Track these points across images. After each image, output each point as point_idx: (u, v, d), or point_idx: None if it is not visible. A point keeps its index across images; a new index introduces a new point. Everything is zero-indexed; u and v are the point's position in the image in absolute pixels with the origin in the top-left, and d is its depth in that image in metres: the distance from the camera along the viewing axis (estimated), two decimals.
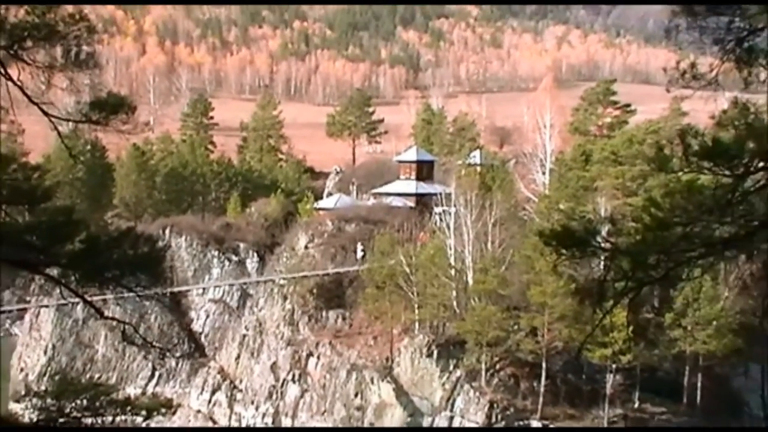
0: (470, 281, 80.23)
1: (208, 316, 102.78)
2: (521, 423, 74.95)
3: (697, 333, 76.62)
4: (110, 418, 19.57)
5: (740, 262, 65.74)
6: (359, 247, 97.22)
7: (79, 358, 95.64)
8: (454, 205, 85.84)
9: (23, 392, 21.62)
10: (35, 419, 19.41)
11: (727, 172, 15.08)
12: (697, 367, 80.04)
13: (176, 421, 72.01)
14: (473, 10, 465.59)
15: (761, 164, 14.74)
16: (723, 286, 77.30)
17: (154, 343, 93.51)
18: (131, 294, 20.50)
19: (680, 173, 16.91)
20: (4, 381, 72.62)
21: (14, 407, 22.57)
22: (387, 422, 79.08)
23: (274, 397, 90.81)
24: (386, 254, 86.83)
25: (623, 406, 77.53)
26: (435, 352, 79.20)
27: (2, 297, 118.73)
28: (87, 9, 20.05)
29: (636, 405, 78.19)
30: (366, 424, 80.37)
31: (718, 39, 14.95)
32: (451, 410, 77.06)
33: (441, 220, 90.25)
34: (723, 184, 15.31)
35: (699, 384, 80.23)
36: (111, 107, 18.88)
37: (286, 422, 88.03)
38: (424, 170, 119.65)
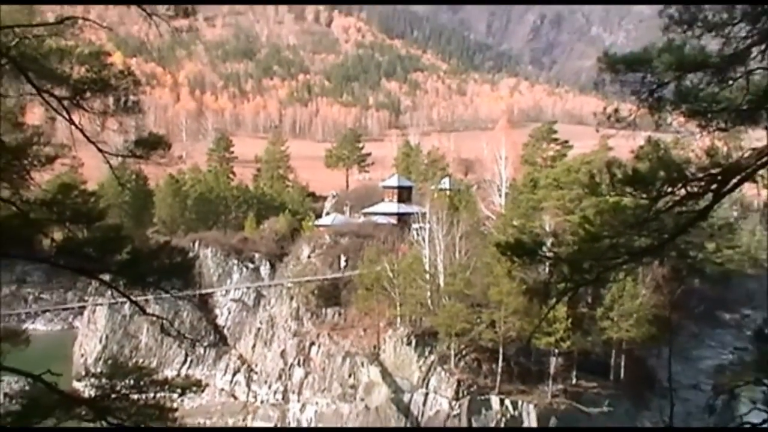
0: (441, 284, 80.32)
1: (229, 313, 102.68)
2: (482, 397, 74.96)
3: (621, 323, 77.34)
4: (152, 395, 19.60)
5: (654, 266, 66.29)
6: (342, 258, 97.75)
7: (127, 346, 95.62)
8: (428, 222, 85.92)
9: (83, 373, 21.45)
10: (92, 395, 19.43)
11: (643, 196, 15.22)
12: (621, 351, 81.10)
13: (204, 397, 72.14)
14: (443, 65, 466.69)
15: (669, 189, 14.86)
16: (641, 286, 78.02)
17: (186, 335, 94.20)
18: (167, 295, 20.60)
19: (608, 196, 17.02)
20: (67, 364, 72.06)
21: (76, 385, 22.45)
22: (375, 398, 78.99)
23: (283, 378, 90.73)
24: (373, 262, 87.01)
25: (564, 382, 77.64)
26: (413, 341, 79.22)
27: (66, 297, 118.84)
28: (132, 64, 20.10)
29: (573, 381, 78.37)
30: (358, 400, 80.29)
31: (634, 90, 15.11)
32: (426, 388, 77.04)
33: (418, 234, 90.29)
34: (641, 205, 15.45)
35: (622, 363, 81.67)
36: (151, 144, 18.98)
37: (293, 398, 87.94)
38: (404, 194, 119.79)
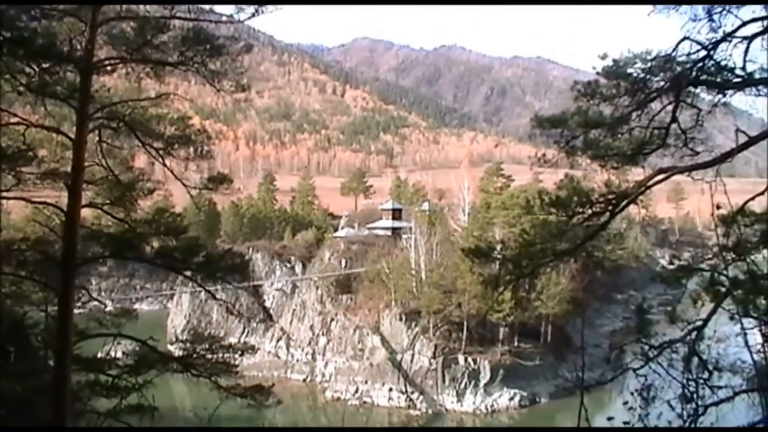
0: (423, 277, 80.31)
1: (274, 298, 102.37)
2: (452, 356, 74.97)
3: (548, 303, 77.40)
4: (220, 355, 19.67)
5: (571, 263, 66.30)
6: (343, 260, 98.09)
7: (203, 321, 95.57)
8: (414, 234, 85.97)
9: (174, 339, 21.58)
10: (180, 354, 19.54)
11: (563, 214, 15.33)
12: (548, 322, 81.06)
13: (257, 357, 71.98)
14: (423, 123, 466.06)
15: (581, 210, 15.01)
16: (562, 277, 77.92)
17: (243, 314, 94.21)
18: (230, 285, 20.73)
19: (539, 215, 17.15)
20: (163, 334, 72.44)
21: (169, 347, 22.56)
22: (377, 357, 78.91)
23: (311, 344, 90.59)
24: (375, 262, 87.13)
25: (509, 345, 77.71)
26: (403, 318, 79.20)
27: (162, 286, 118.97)
28: (206, 125, 20.33)
29: (516, 344, 78.42)
30: (364, 359, 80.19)
31: (556, 141, 15.26)
32: (413, 350, 76.97)
33: (406, 242, 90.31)
34: (561, 221, 15.55)
35: (549, 331, 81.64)
36: (219, 180, 19.12)
37: (319, 358, 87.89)
38: (396, 214, 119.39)
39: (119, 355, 19.30)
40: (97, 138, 17.34)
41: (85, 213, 17.55)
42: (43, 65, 15.86)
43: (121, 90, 17.74)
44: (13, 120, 16.83)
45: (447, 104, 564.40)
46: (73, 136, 16.42)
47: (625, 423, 8.44)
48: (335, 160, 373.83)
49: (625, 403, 11.16)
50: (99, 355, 19.26)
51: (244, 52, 17.36)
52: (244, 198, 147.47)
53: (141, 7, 16.93)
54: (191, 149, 18.20)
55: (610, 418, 8.59)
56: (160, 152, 17.84)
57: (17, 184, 17.43)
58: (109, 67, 16.87)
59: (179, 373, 19.48)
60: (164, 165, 18.07)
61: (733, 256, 13.52)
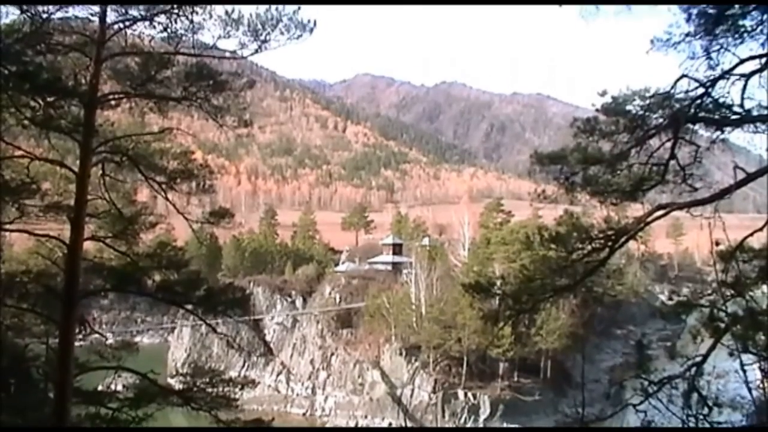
0: (423, 312, 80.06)
1: (274, 332, 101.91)
2: (452, 391, 74.56)
3: (548, 338, 77.00)
4: (220, 389, 19.58)
5: (570, 299, 66.21)
6: (343, 294, 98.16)
7: (203, 355, 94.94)
8: (414, 269, 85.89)
9: (174, 373, 21.49)
10: (181, 388, 19.45)
11: (563, 250, 15.32)
12: (547, 357, 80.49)
13: (257, 391, 71.39)
14: (423, 158, 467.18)
15: (580, 245, 15.00)
16: (561, 312, 77.65)
17: (244, 347, 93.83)
18: (231, 319, 20.69)
19: (538, 251, 17.14)
20: (163, 367, 72.12)
21: (170, 381, 22.46)
22: (376, 392, 78.55)
23: (311, 378, 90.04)
24: (375, 297, 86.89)
25: (509, 380, 77.34)
26: (403, 352, 78.88)
27: (163, 319, 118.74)
28: (208, 159, 20.42)
29: (515, 379, 78.01)
30: (364, 394, 79.78)
31: (555, 177, 15.30)
32: (413, 385, 76.60)
33: (407, 277, 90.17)
34: (561, 257, 15.53)
35: (549, 366, 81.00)
36: (220, 215, 19.18)
37: (319, 392, 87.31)
38: (396, 249, 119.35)
39: (119, 388, 19.22)
40: (101, 172, 17.42)
41: (88, 246, 17.55)
42: (48, 99, 15.96)
43: (125, 124, 17.83)
44: (18, 153, 16.92)
45: (447, 140, 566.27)
46: (76, 170, 16.48)
47: None
48: (336, 195, 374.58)
49: None
50: (99, 387, 19.18)
51: (246, 87, 17.47)
52: (245, 232, 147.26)
53: (145, 42, 17.06)
54: (193, 183, 18.26)
55: None
56: (163, 186, 17.90)
57: (20, 216, 17.47)
58: (113, 102, 16.99)
59: (179, 406, 19.38)
60: (166, 199, 18.12)
61: (732, 292, 13.50)
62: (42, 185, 17.49)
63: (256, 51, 16.29)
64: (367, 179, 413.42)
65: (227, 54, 17.25)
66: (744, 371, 12.30)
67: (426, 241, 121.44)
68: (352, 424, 77.12)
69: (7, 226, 17.81)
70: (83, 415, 18.42)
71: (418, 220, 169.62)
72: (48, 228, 17.74)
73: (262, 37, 16.09)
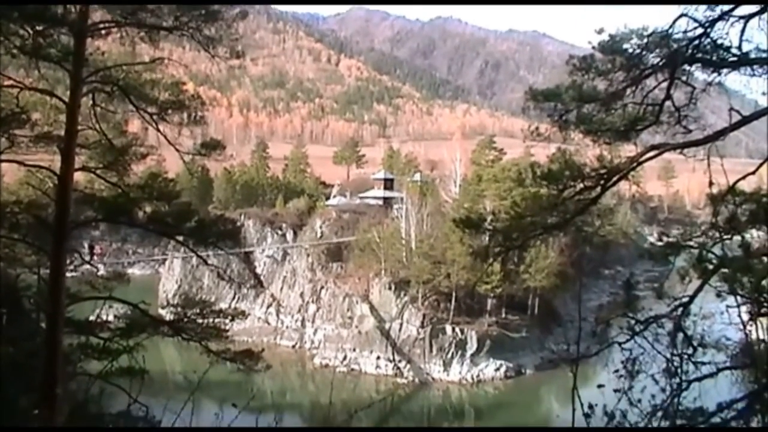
0: (413, 247, 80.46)
1: (265, 265, 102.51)
2: (440, 326, 75.22)
3: (536, 276, 77.76)
4: (211, 320, 19.72)
5: (560, 237, 66.50)
6: (334, 228, 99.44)
7: (194, 286, 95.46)
8: (405, 204, 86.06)
9: (164, 303, 21.62)
10: (171, 318, 19.60)
11: (554, 188, 15.29)
12: (535, 295, 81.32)
13: (247, 323, 71.66)
14: (416, 94, 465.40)
15: (572, 184, 14.98)
16: (551, 250, 78.19)
17: (234, 279, 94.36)
18: (222, 251, 20.75)
19: (530, 188, 17.11)
20: (154, 298, 72.30)
21: (160, 311, 22.61)
22: (365, 325, 79.14)
23: (301, 311, 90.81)
24: (366, 231, 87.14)
25: (496, 316, 78.10)
26: (393, 287, 79.27)
27: (154, 251, 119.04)
28: (200, 91, 20.27)
29: (503, 316, 78.81)
30: (353, 327, 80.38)
31: (549, 115, 15.17)
32: (401, 319, 77.22)
33: (397, 212, 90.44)
34: (552, 195, 15.49)
35: (536, 304, 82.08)
36: (212, 147, 19.09)
37: (308, 325, 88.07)
38: (388, 184, 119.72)
39: (111, 318, 19.33)
40: (91, 102, 17.26)
41: (78, 177, 17.46)
42: (37, 28, 15.71)
43: (115, 54, 17.60)
44: (7, 83, 16.71)
45: (441, 76, 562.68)
46: (66, 100, 16.31)
47: (615, 391, 8.52)
48: (328, 129, 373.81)
49: (616, 371, 11.23)
50: (91, 318, 19.28)
51: (239, 18, 17.24)
52: (236, 165, 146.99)
53: None
54: (185, 115, 18.12)
55: (600, 386, 8.67)
56: (154, 117, 17.76)
57: (10, 146, 17.34)
58: (103, 31, 16.72)
59: (170, 336, 19.55)
60: (158, 130, 17.99)
61: (722, 234, 13.54)
62: (32, 115, 17.33)
63: None
64: (360, 114, 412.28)
65: None
66: (730, 313, 12.40)
67: (417, 176, 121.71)
68: (340, 357, 77.86)
69: None
70: (75, 344, 18.55)
71: (410, 155, 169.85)
72: (38, 158, 17.63)
73: None
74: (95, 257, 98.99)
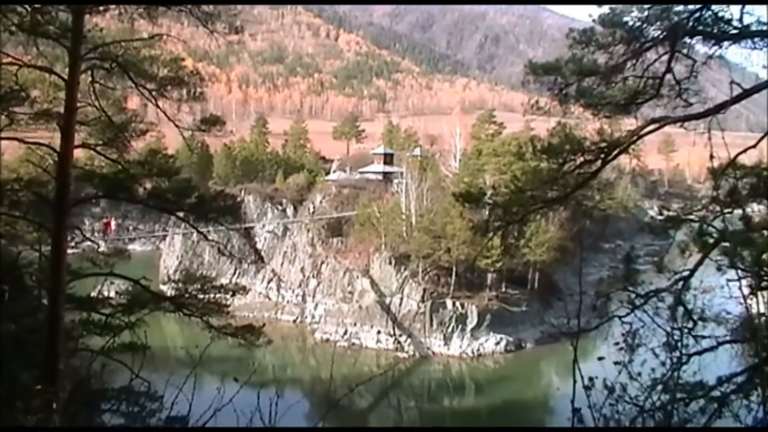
0: (413, 221, 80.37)
1: (265, 240, 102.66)
2: (440, 301, 75.29)
3: (536, 250, 77.55)
4: (212, 295, 19.79)
5: (560, 211, 66.35)
6: (334, 203, 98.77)
7: (195, 262, 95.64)
8: (405, 179, 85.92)
9: (165, 279, 21.71)
10: (172, 294, 19.65)
11: (554, 162, 15.28)
12: (535, 269, 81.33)
13: (248, 298, 72.02)
14: (416, 68, 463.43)
15: (572, 157, 14.96)
16: (550, 225, 78.19)
17: (235, 255, 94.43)
18: (222, 226, 20.81)
19: (530, 162, 17.10)
20: (155, 274, 72.34)
21: (161, 287, 22.66)
22: (366, 300, 79.19)
23: (302, 286, 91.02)
24: (366, 206, 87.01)
25: (497, 291, 78.13)
26: (393, 261, 79.24)
27: (154, 227, 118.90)
28: (199, 67, 20.22)
29: (503, 290, 78.81)
30: (354, 302, 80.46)
31: (549, 88, 15.14)
32: (401, 294, 77.31)
33: (397, 187, 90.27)
34: (552, 168, 15.49)
35: (536, 278, 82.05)
36: (211, 122, 19.15)
37: (309, 300, 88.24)
38: (387, 159, 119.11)
39: (112, 294, 19.41)
40: (90, 79, 17.20)
41: (78, 154, 17.47)
42: (35, 5, 15.63)
43: (114, 31, 17.54)
44: (6, 60, 16.65)
45: (440, 50, 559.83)
46: (65, 77, 16.26)
47: (615, 363, 8.53)
48: (328, 104, 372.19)
49: (616, 344, 11.24)
50: (92, 294, 19.34)
51: None
52: (236, 141, 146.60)
53: None
54: (184, 91, 18.13)
55: (600, 358, 8.67)
56: (153, 93, 17.74)
57: (10, 124, 17.32)
58: (101, 7, 16.66)
59: (171, 312, 19.63)
60: (157, 106, 17.97)
61: (723, 207, 13.53)
62: (31, 92, 17.30)
63: None
64: (359, 88, 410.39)
65: None
66: (730, 287, 12.41)
67: (417, 151, 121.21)
68: (341, 332, 78.04)
69: None
70: (76, 320, 18.61)
71: (410, 130, 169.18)
72: (38, 136, 17.60)
73: None
74: (110, 233, 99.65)
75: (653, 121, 14.43)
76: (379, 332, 76.47)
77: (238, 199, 26.80)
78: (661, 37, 13.81)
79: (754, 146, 13.29)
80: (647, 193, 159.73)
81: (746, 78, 14.09)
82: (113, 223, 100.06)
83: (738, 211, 13.53)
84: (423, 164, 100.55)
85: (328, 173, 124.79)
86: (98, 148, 18.20)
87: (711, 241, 13.28)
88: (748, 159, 14.07)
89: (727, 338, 12.96)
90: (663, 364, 11.45)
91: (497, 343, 74.85)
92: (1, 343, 15.63)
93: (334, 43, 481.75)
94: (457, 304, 75.40)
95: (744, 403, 11.22)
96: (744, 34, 13.18)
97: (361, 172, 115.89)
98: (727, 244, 12.95)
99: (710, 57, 13.81)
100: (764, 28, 13.17)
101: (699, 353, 12.17)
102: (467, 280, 78.06)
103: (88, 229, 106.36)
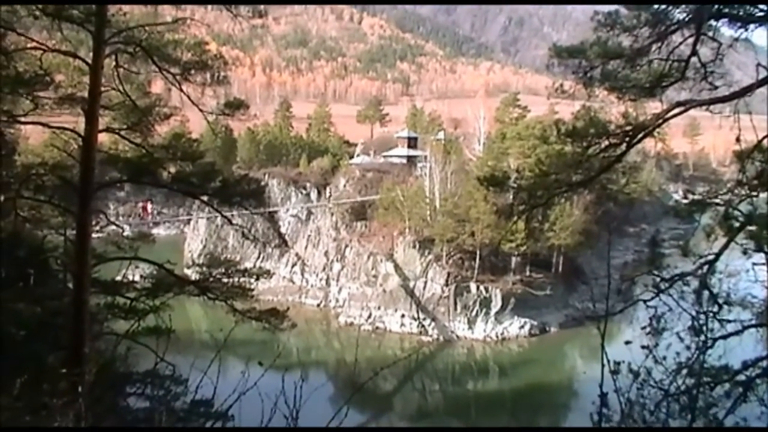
0: (437, 205, 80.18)
1: (289, 224, 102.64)
2: (464, 284, 75.12)
3: (560, 234, 77.13)
4: (236, 279, 19.86)
5: (584, 195, 66.03)
6: (358, 187, 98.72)
7: (219, 246, 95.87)
8: (429, 162, 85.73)
9: (189, 263, 21.79)
10: (197, 278, 19.74)
11: (579, 145, 15.20)
12: (560, 253, 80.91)
13: (272, 282, 72.26)
14: (440, 51, 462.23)
15: (597, 141, 14.86)
16: (575, 208, 77.79)
17: (259, 239, 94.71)
18: (246, 210, 20.85)
19: (554, 145, 17.01)
20: (179, 258, 72.78)
21: (186, 271, 22.77)
22: (390, 284, 79.12)
23: (326, 270, 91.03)
24: (390, 190, 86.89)
25: (520, 274, 77.80)
26: (417, 245, 79.07)
27: (179, 211, 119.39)
28: (222, 51, 20.26)
29: (527, 274, 78.50)
30: (378, 285, 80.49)
31: (574, 71, 15.02)
32: (425, 277, 77.25)
33: (421, 170, 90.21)
34: (577, 152, 15.40)
35: (560, 261, 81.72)
36: (235, 106, 19.15)
37: (333, 284, 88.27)
38: (411, 142, 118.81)
39: (137, 278, 19.52)
40: (114, 63, 17.27)
41: (102, 138, 17.56)
42: None
43: (138, 15, 17.58)
44: (30, 45, 16.74)
45: (464, 33, 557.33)
46: (89, 61, 16.33)
47: (642, 347, 8.52)
48: (351, 88, 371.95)
49: (643, 328, 11.18)
50: (117, 278, 19.48)
51: None
52: (260, 124, 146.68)
53: None
54: (208, 75, 18.14)
55: (627, 342, 8.66)
56: (177, 78, 17.78)
57: (35, 109, 17.42)
58: None
59: (195, 296, 19.72)
60: (181, 90, 18.03)
61: (749, 191, 13.41)
62: (55, 77, 17.38)
63: None
64: (383, 72, 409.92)
65: None
66: (756, 271, 12.31)
67: (441, 135, 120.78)
68: (365, 315, 78.18)
69: (22, 119, 17.79)
70: (101, 304, 18.77)
71: (434, 113, 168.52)
72: (63, 120, 17.71)
73: None
74: (147, 216, 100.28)
75: (678, 104, 14.30)
76: (403, 316, 76.53)
77: (262, 183, 26.93)
78: (686, 19, 13.66)
79: None
80: (672, 177, 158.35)
81: None
82: (149, 207, 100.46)
83: (764, 195, 13.40)
84: (447, 148, 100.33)
85: (351, 157, 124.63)
86: (122, 133, 18.29)
87: (737, 224, 13.16)
88: None
89: (753, 322, 12.87)
90: (688, 348, 11.39)
91: (521, 327, 74.74)
92: (28, 327, 15.82)
93: (358, 26, 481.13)
94: (481, 287, 75.26)
95: None
96: None
97: (384, 156, 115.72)
98: (753, 227, 12.85)
99: (736, 40, 13.65)
100: None
101: (724, 337, 12.09)
102: (491, 263, 77.86)
103: (113, 213, 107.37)
